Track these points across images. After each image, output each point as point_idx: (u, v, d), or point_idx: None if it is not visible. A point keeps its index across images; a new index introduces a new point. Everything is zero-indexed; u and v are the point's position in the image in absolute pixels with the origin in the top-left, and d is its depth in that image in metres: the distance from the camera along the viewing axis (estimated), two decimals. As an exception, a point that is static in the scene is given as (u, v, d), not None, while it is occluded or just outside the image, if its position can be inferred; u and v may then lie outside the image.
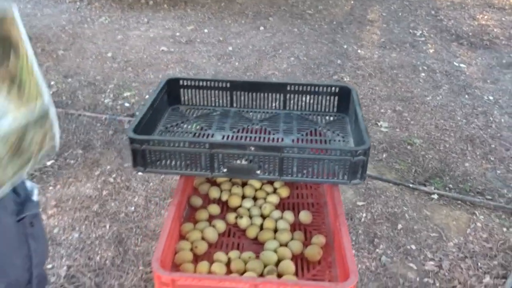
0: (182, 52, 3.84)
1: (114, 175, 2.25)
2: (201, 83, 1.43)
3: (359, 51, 4.06)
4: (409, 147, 2.64)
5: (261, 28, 4.51)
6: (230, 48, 3.96)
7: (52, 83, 3.20)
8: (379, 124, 2.87)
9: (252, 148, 1.07)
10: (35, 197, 0.85)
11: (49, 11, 4.71)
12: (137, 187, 2.18)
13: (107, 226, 1.94)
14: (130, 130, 1.11)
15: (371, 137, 2.66)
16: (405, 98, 3.23)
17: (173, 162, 1.11)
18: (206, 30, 4.37)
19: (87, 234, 1.90)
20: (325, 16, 5.00)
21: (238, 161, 1.10)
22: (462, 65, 3.90)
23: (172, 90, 1.43)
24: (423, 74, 3.65)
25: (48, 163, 2.31)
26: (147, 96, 3.05)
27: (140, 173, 2.24)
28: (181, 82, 1.43)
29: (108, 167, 2.31)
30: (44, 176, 2.22)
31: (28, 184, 0.86)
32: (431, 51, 4.19)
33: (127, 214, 2.02)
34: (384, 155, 2.54)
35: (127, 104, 2.95)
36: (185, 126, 1.34)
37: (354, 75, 3.56)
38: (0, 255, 0.78)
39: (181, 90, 1.44)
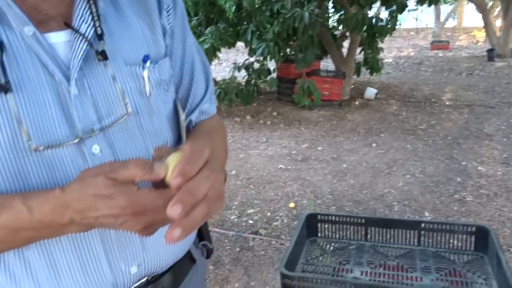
0: (299, 169, 4.09)
1: (242, 293, 2.39)
2: (337, 218, 1.57)
3: (479, 167, 3.94)
4: (553, 279, 2.39)
5: (373, 144, 4.66)
6: (344, 166, 4.13)
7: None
8: (513, 250, 2.67)
9: (397, 292, 1.13)
10: None
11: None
12: (264, 307, 2.27)
13: None
14: (282, 266, 1.25)
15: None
16: (540, 222, 3.00)
17: (319, 298, 1.21)
18: (320, 148, 4.64)
19: None
20: (438, 131, 5.00)
21: (382, 302, 1.16)
22: None
23: (310, 223, 1.58)
24: (558, 194, 3.39)
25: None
26: (273, 220, 3.26)
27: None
28: (319, 217, 1.58)
29: (236, 284, 2.46)
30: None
31: None
32: None
33: (255, 335, 2.09)
34: (523, 288, 2.33)
35: (251, 221, 3.17)
36: (323, 259, 1.46)
37: (477, 195, 3.43)
38: None
39: (319, 224, 1.58)
